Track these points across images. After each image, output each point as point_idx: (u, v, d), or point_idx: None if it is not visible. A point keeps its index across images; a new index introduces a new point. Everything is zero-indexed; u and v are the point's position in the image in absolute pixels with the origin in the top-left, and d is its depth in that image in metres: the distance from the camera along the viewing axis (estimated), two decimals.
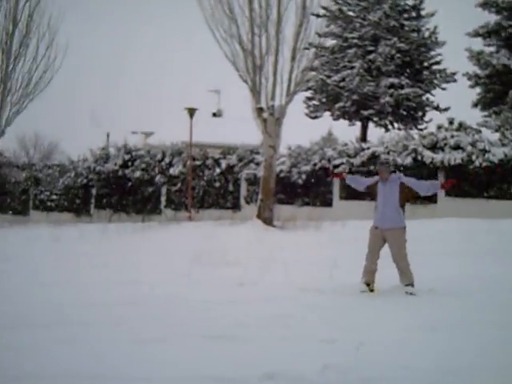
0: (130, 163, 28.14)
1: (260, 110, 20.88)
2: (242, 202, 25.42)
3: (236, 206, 25.57)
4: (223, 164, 25.76)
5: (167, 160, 27.44)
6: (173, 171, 26.85)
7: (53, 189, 31.48)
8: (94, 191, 29.52)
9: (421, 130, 28.61)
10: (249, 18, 21.00)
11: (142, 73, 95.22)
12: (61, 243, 16.38)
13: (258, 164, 24.61)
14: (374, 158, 21.21)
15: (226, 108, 41.07)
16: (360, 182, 9.45)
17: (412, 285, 8.54)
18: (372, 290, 8.68)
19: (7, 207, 32.90)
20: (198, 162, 26.23)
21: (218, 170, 25.85)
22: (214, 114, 40.33)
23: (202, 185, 26.15)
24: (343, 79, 28.57)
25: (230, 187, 25.75)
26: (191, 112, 25.37)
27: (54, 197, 31.31)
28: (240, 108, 30.17)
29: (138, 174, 27.55)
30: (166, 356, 5.27)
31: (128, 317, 6.93)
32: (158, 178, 27.21)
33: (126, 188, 28.01)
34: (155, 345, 5.64)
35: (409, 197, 9.01)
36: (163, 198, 27.54)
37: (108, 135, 43.76)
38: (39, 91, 28.75)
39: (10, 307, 7.69)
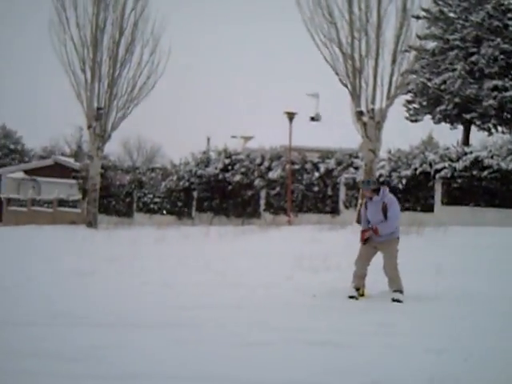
0: (230, 167, 28.58)
1: (360, 114, 20.76)
2: (341, 206, 25.27)
3: (335, 211, 25.45)
4: (322, 168, 25.72)
5: (266, 164, 27.68)
6: (272, 175, 27.06)
7: (155, 192, 32.39)
8: (195, 194, 30.15)
9: None
10: (348, 21, 20.94)
11: (242, 77, 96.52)
12: (164, 244, 16.85)
13: (356, 168, 24.41)
14: (477, 162, 20.62)
15: (324, 112, 40.94)
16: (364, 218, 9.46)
17: (401, 292, 8.76)
18: (362, 295, 8.96)
19: (112, 209, 34.13)
20: (296, 166, 26.32)
21: (316, 174, 25.82)
22: (313, 118, 40.26)
23: (300, 189, 26.20)
24: (444, 82, 27.81)
25: (329, 191, 25.66)
26: (291, 116, 25.52)
27: (157, 199, 32.21)
28: (338, 112, 30.08)
29: (237, 177, 27.93)
30: (270, 360, 5.34)
31: (232, 319, 7.06)
32: (258, 182, 27.48)
33: (227, 191, 28.46)
34: (260, 348, 5.72)
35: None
36: (262, 202, 27.80)
37: (208, 139, 44.67)
38: (143, 96, 29.85)
39: (118, 307, 7.99)
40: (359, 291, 8.98)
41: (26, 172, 50.31)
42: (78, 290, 9.51)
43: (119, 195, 34.13)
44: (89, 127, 29.27)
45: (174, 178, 31.13)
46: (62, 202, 39.11)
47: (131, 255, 14.51)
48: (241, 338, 6.07)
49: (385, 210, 8.97)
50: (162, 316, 7.37)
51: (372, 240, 9.05)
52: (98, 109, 28.96)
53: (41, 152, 67.68)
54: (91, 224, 28.26)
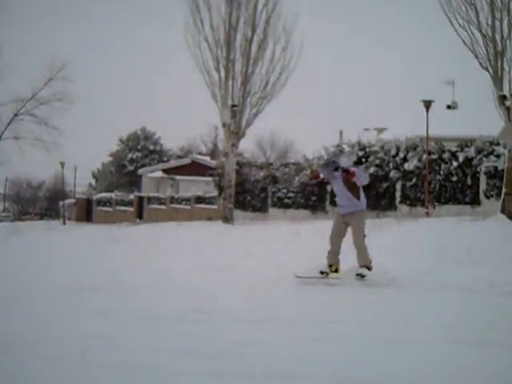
0: (364, 159, 28.12)
1: (503, 98, 19.66)
2: (482, 196, 24.14)
3: (475, 201, 24.38)
4: (460, 157, 24.70)
5: (401, 155, 26.98)
6: (407, 166, 26.33)
7: (289, 186, 32.51)
8: (328, 188, 29.94)
9: None
10: (489, 1, 19.86)
11: (372, 68, 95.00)
12: (299, 239, 16.76)
13: (498, 156, 23.18)
14: None
15: (460, 99, 39.26)
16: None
17: (367, 267, 9.05)
18: (336, 271, 9.36)
19: (248, 205, 34.64)
20: (433, 156, 25.43)
21: (455, 164, 24.85)
22: (449, 106, 38.73)
23: (438, 179, 25.32)
24: None
25: (469, 181, 24.59)
26: (427, 104, 24.70)
27: (291, 194, 32.32)
28: (476, 98, 28.73)
29: (372, 169, 27.41)
30: (422, 359, 5.03)
31: (381, 316, 6.78)
32: (393, 174, 26.85)
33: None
34: (408, 347, 5.42)
35: (352, 186, 9.36)
36: (398, 194, 27.13)
37: (341, 132, 44.27)
38: (276, 92, 30.03)
39: (258, 301, 7.93)
40: (332, 267, 9.35)
41: (165, 171, 52.22)
42: (217, 285, 9.54)
43: (254, 191, 34.57)
44: (223, 125, 29.84)
45: (308, 172, 31.09)
46: (199, 199, 40.18)
47: (267, 250, 14.54)
48: (388, 336, 5.79)
49: (349, 183, 9.27)
50: (303, 312, 7.21)
51: (340, 215, 9.57)
52: (233, 106, 29.48)
53: (178, 152, 70.09)
54: (227, 219, 28.80)
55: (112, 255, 15.23)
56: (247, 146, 61.41)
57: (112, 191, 53.85)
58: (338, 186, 9.59)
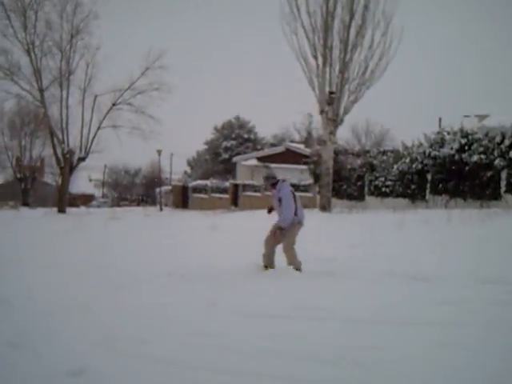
0: (466, 147, 26.97)
1: None
2: None
3: None
4: None
5: (507, 142, 25.64)
6: None
7: (387, 175, 31.70)
8: (429, 176, 28.95)
9: None
10: None
11: (472, 52, 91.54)
12: (404, 230, 16.13)
13: None
14: None
15: None
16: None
17: (296, 269, 9.81)
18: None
19: (344, 193, 34.09)
20: None
21: None
22: None
23: None
24: None
25: None
26: None
27: (389, 182, 31.50)
28: None
29: (475, 158, 26.24)
30: None
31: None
32: (498, 162, 25.58)
33: (463, 173, 26.89)
34: None
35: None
36: (503, 183, 25.84)
37: (440, 120, 42.88)
38: (376, 79, 29.23)
39: (369, 300, 7.55)
40: (267, 268, 10.04)
41: (259, 159, 52.27)
42: (321, 279, 9.15)
43: (350, 179, 33.97)
44: (321, 112, 29.34)
45: (407, 160, 30.18)
46: (294, 187, 39.86)
47: (372, 241, 14.05)
48: None
49: (280, 202, 9.98)
50: (419, 313, 6.69)
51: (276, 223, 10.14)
52: (330, 93, 28.93)
53: (272, 140, 70.12)
54: (325, 208, 28.32)
55: (217, 243, 15.17)
56: (342, 133, 60.74)
57: (207, 179, 54.46)
58: (274, 200, 10.33)
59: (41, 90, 41.68)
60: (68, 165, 42.76)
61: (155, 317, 6.52)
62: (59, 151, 43.20)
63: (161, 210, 48.69)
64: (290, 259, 9.92)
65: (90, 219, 29.49)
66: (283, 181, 10.31)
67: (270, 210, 10.70)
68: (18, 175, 67.20)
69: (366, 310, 6.72)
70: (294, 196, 10.20)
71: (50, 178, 73.76)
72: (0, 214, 43.58)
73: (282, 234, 9.93)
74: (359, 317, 6.41)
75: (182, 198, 52.06)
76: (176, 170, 75.61)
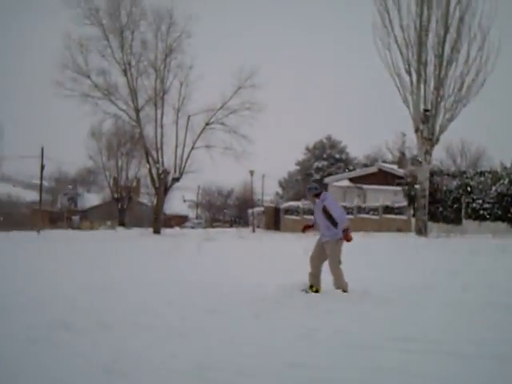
0: None
1: None
2: None
3: None
4: None
5: None
6: None
7: (485, 197, 30.51)
8: None
9: None
10: None
11: None
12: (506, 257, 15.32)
13: None
14: None
15: None
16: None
17: (343, 290, 9.58)
18: (317, 291, 9.81)
19: (439, 216, 33.03)
20: None
21: None
22: None
23: None
24: None
25: None
26: None
27: (487, 205, 30.30)
28: None
29: None
30: None
31: None
32: None
33: None
34: None
35: (328, 216, 9.78)
36: None
37: None
38: (472, 95, 28.29)
39: (473, 332, 7.06)
40: (312, 288, 9.84)
41: (351, 180, 51.62)
42: (420, 307, 8.69)
43: (446, 201, 32.91)
44: (416, 131, 28.65)
45: (506, 181, 28.95)
46: (387, 209, 39.16)
47: (474, 268, 13.36)
48: None
49: (326, 213, 9.73)
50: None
51: (320, 239, 9.99)
52: (425, 111, 28.21)
53: (364, 160, 69.22)
54: (421, 232, 27.49)
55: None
56: (436, 153, 58.89)
57: (298, 200, 54.26)
58: (317, 212, 10.02)
59: (136, 110, 42.92)
60: (163, 185, 43.62)
61: (251, 345, 6.30)
62: (154, 171, 44.16)
63: (253, 231, 48.83)
64: (337, 279, 9.70)
65: (185, 240, 29.84)
66: (327, 193, 10.32)
67: (304, 229, 10.57)
68: (115, 195, 69.26)
69: (469, 344, 6.27)
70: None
71: (146, 198, 75.68)
72: (99, 233, 45.07)
73: (333, 248, 9.73)
74: (464, 350, 5.97)
75: (274, 220, 52.05)
76: (267, 191, 75.91)
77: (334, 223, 9.65)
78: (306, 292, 9.73)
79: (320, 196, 9.92)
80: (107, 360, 5.54)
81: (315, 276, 9.89)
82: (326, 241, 9.80)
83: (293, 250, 20.20)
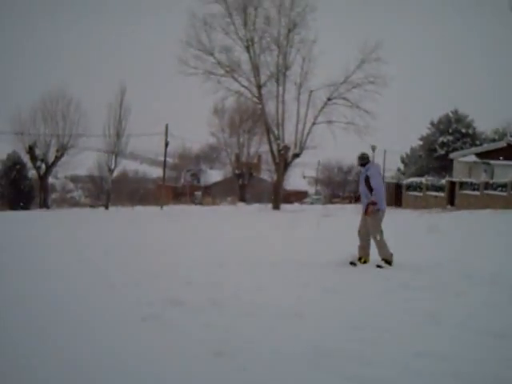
0: None
1: None
2: None
3: None
4: None
5: None
6: None
7: None
8: None
9: None
10: None
11: None
12: None
13: None
14: None
15: None
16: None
17: (386, 261, 9.86)
18: (365, 262, 10.15)
19: None
20: None
21: None
22: None
23: None
24: None
25: None
26: None
27: None
28: None
29: None
30: None
31: None
32: None
33: None
34: None
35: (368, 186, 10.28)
36: None
37: None
38: None
39: None
40: (361, 260, 10.22)
41: (478, 155, 49.24)
42: None
43: None
44: None
45: None
46: None
47: None
48: None
49: (367, 182, 10.24)
50: None
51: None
52: None
53: (492, 135, 65.89)
54: None
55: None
56: None
57: (420, 176, 52.48)
58: (361, 181, 10.56)
59: (258, 87, 42.84)
60: (283, 161, 43.47)
61: (367, 328, 5.86)
62: (275, 147, 44.03)
63: None
64: (379, 248, 10.02)
65: (304, 216, 29.59)
66: (374, 163, 10.87)
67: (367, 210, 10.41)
68: (237, 172, 70.07)
69: None
70: (382, 180, 10.60)
71: (266, 174, 76.11)
72: (220, 209, 45.82)
73: (371, 218, 10.13)
74: None
75: (395, 196, 50.71)
76: (388, 166, 74.15)
77: (371, 192, 10.19)
78: (354, 264, 10.07)
79: (366, 166, 10.48)
80: (217, 341, 5.29)
81: (363, 247, 10.31)
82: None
83: (416, 227, 19.44)
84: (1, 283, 8.46)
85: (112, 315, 6.38)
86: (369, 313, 6.56)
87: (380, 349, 5.16)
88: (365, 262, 10.12)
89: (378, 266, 9.82)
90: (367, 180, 10.27)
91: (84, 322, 6.06)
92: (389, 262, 9.84)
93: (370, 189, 10.20)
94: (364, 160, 10.58)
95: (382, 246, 9.99)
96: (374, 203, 10.10)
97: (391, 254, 9.93)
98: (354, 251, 10.43)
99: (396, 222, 25.09)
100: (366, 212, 10.23)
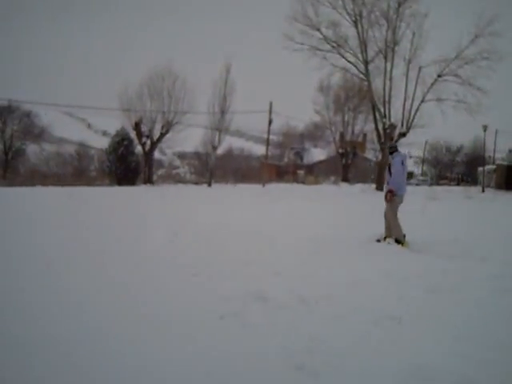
0: None
1: None
2: None
3: None
4: None
5: None
6: None
7: None
8: None
9: None
10: None
11: None
12: None
13: None
14: None
15: None
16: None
17: (397, 240, 10.73)
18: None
19: None
20: None
21: None
22: None
23: None
24: None
25: None
26: None
27: None
28: None
29: None
30: None
31: None
32: None
33: None
34: None
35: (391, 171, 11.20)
36: None
37: None
38: None
39: None
40: (386, 239, 10.92)
41: None
42: None
43: None
44: None
45: None
46: None
47: None
48: None
49: (390, 168, 11.16)
50: None
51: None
52: None
53: None
54: None
55: None
56: None
57: None
58: (387, 168, 11.44)
59: (366, 63, 41.43)
60: (389, 140, 41.93)
61: (473, 344, 5.04)
62: (380, 126, 42.55)
63: (483, 191, 45.49)
64: (393, 228, 10.85)
65: (410, 198, 28.37)
66: (400, 152, 11.35)
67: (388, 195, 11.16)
68: (340, 151, 68.75)
69: None
70: (404, 168, 11.16)
71: (371, 153, 74.32)
72: (322, 188, 45.07)
73: (389, 203, 10.94)
74: None
75: (506, 179, 48.06)
76: (500, 147, 70.51)
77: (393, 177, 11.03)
78: (379, 241, 10.92)
79: (393, 154, 11.25)
80: (301, 352, 4.64)
81: (388, 228, 11.10)
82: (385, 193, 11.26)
83: None
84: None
85: (189, 310, 5.87)
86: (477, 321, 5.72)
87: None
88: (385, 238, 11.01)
89: (378, 241, 10.94)
90: (390, 166, 11.17)
91: (162, 319, 5.58)
92: (401, 243, 10.62)
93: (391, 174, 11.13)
94: (392, 149, 11.47)
95: (395, 227, 10.86)
96: (391, 191, 10.97)
97: (404, 235, 10.77)
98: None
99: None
100: (385, 198, 11.05)
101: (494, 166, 53.82)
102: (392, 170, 11.06)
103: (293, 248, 10.09)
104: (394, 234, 10.84)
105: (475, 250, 10.17)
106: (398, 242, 10.67)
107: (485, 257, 9.44)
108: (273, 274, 7.66)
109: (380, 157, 45.74)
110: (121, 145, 51.93)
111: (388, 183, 11.21)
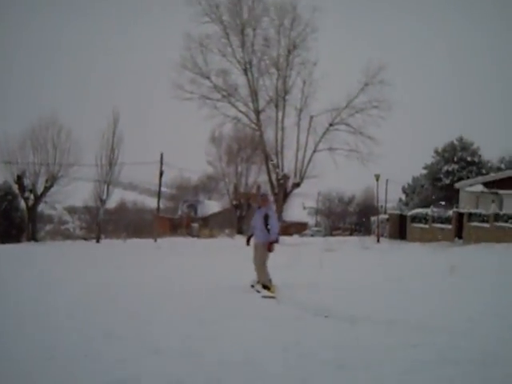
0: None
1: None
2: None
3: None
4: None
5: None
6: None
7: None
8: None
9: None
10: None
11: None
12: None
13: None
14: None
15: None
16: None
17: (263, 285, 11.31)
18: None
19: None
20: None
21: None
22: None
23: None
24: None
25: None
26: None
27: None
28: None
29: None
30: None
31: None
32: None
33: None
34: None
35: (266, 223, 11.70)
36: None
37: None
38: None
39: None
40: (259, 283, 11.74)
41: (486, 185, 47.23)
42: None
43: None
44: None
45: None
46: None
47: None
48: None
49: (266, 220, 11.60)
50: None
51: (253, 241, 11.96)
52: None
53: (498, 163, 63.91)
54: None
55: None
56: None
57: (424, 207, 50.40)
58: (258, 216, 11.85)
59: (257, 112, 40.89)
60: (282, 191, 41.28)
61: None
62: (274, 177, 41.89)
63: (378, 241, 45.56)
64: (260, 274, 11.45)
65: (306, 250, 27.47)
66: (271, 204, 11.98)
67: (248, 240, 12.33)
68: (234, 202, 67.89)
69: None
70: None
71: None
72: (216, 242, 43.62)
73: (264, 250, 11.50)
74: None
75: (399, 228, 48.53)
76: (389, 197, 72.05)
77: (269, 230, 11.48)
78: (253, 286, 11.57)
79: (267, 204, 11.88)
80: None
81: (261, 274, 11.57)
82: (258, 241, 11.73)
83: (436, 263, 17.26)
84: None
85: None
86: None
87: None
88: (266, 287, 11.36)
89: (252, 287, 11.55)
90: (266, 218, 11.56)
91: None
92: (267, 287, 11.18)
93: (267, 226, 11.56)
94: (269, 200, 12.18)
95: (263, 273, 11.40)
96: (274, 242, 11.46)
97: (270, 280, 11.38)
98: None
99: (413, 258, 22.92)
100: (268, 249, 11.43)
101: (387, 216, 54.39)
102: (270, 221, 11.49)
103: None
104: (261, 280, 11.43)
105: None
106: (265, 287, 11.23)
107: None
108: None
109: (274, 207, 45.00)
110: (4, 200, 48.85)
111: (262, 231, 11.57)
